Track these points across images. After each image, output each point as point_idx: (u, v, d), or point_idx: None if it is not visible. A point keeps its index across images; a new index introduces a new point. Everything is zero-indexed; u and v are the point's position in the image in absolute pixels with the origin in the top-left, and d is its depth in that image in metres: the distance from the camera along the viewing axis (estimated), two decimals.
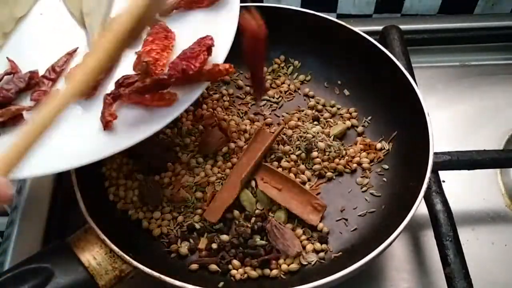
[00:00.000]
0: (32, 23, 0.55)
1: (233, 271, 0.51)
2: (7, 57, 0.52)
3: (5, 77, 0.50)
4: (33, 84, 0.50)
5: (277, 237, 0.52)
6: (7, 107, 0.48)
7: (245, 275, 0.51)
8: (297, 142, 0.59)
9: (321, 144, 0.59)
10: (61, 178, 0.62)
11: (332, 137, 0.60)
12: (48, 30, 0.55)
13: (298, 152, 0.59)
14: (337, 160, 0.59)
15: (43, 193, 0.61)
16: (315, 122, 0.62)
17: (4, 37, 0.53)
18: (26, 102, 0.50)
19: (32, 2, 0.56)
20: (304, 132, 0.60)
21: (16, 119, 0.48)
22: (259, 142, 0.57)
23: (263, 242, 0.53)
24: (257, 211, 0.54)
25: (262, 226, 0.53)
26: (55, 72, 0.51)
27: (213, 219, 0.54)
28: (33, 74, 0.50)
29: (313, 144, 0.59)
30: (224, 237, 0.53)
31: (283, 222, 0.54)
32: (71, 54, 0.53)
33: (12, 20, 0.54)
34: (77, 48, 0.53)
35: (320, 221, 0.54)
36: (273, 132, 0.59)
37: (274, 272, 0.51)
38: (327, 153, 0.59)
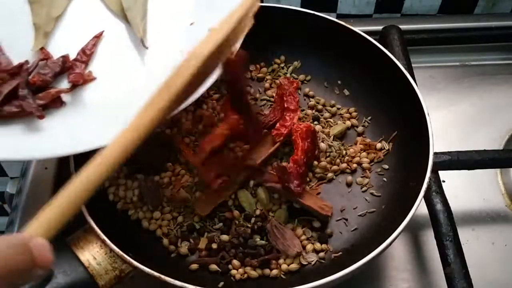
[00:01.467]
0: (70, 21, 0.57)
1: (233, 271, 0.51)
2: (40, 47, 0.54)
3: (40, 63, 0.52)
4: (67, 67, 0.53)
5: (277, 237, 0.52)
6: (47, 91, 0.50)
7: (245, 275, 0.51)
8: None
9: (323, 145, 0.59)
10: (61, 178, 0.62)
11: (332, 137, 0.60)
12: (87, 26, 0.56)
13: None
14: (337, 160, 0.59)
15: (43, 193, 0.61)
16: (315, 122, 0.62)
17: (45, 36, 0.55)
18: (63, 84, 0.52)
19: (67, 1, 0.58)
20: None
21: (56, 101, 0.50)
22: (263, 145, 0.57)
23: (263, 242, 0.53)
24: (257, 211, 0.54)
25: (262, 226, 0.53)
26: (86, 54, 0.54)
27: (202, 212, 0.54)
28: (65, 58, 0.53)
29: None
30: (224, 237, 0.53)
31: (283, 222, 0.54)
32: (98, 37, 0.56)
33: (51, 20, 0.56)
34: (103, 31, 0.56)
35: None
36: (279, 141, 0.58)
37: (274, 272, 0.51)
38: (328, 154, 0.59)
